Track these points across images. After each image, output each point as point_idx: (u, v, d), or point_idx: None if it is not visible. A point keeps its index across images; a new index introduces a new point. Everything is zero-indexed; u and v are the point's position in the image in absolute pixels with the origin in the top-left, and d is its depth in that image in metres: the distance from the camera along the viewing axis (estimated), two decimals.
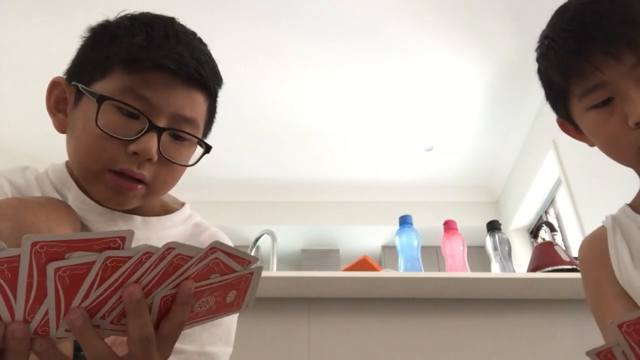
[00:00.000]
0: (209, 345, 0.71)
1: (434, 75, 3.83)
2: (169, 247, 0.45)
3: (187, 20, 0.75)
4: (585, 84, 0.68)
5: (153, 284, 0.47)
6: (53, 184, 0.73)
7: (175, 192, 0.84)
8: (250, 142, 4.59)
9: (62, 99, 0.72)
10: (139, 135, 0.65)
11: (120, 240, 0.43)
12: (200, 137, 0.72)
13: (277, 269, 2.19)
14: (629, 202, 0.78)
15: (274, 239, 2.21)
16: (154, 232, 0.75)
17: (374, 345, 1.50)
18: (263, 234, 2.23)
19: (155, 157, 0.66)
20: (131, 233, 0.43)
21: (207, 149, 0.74)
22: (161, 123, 0.67)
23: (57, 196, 0.71)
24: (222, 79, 0.75)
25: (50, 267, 0.41)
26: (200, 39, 0.74)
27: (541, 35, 0.77)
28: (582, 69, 0.67)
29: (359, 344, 1.50)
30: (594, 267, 0.75)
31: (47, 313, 0.44)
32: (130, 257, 0.43)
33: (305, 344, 1.48)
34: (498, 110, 4.18)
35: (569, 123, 0.77)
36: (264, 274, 1.56)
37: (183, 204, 0.83)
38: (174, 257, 0.46)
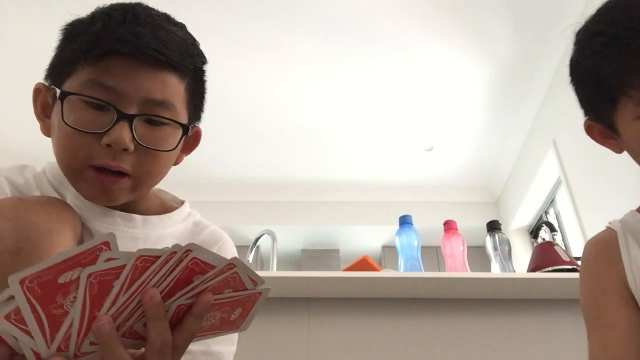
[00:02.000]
0: (214, 345, 0.71)
1: (435, 75, 3.83)
2: (188, 249, 0.45)
3: (181, 18, 0.73)
4: None
5: (168, 290, 0.47)
6: (51, 182, 0.73)
7: (175, 192, 0.84)
8: (250, 142, 4.59)
9: (46, 104, 0.71)
10: (109, 127, 0.63)
11: (105, 246, 0.42)
12: (179, 118, 0.69)
13: (277, 269, 2.19)
14: (635, 208, 0.77)
15: (274, 239, 2.21)
16: (153, 231, 0.74)
17: (374, 345, 1.50)
18: (263, 234, 2.23)
19: (131, 146, 0.64)
20: (112, 236, 0.42)
21: (185, 130, 0.70)
22: (131, 110, 0.64)
23: (56, 195, 0.71)
24: (198, 56, 0.72)
25: (84, 273, 0.41)
26: (168, 18, 0.71)
27: (587, 31, 0.72)
28: None
29: (359, 344, 1.50)
30: (600, 269, 0.74)
31: (70, 327, 0.43)
32: (159, 256, 0.44)
33: (305, 344, 1.48)
34: (498, 110, 4.18)
35: (600, 126, 0.73)
36: (265, 273, 1.56)
37: (182, 202, 0.82)
38: (190, 260, 0.46)
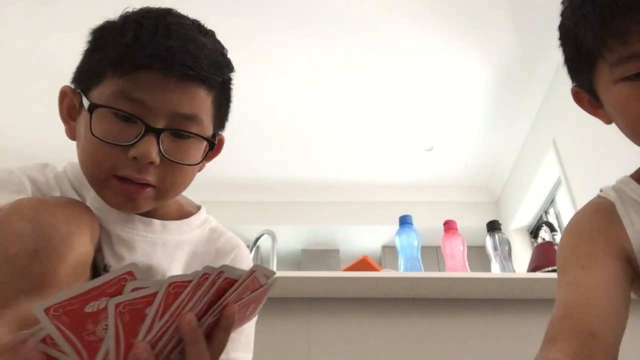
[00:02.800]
0: (233, 352, 0.72)
1: (435, 75, 3.83)
2: (221, 271, 0.45)
3: None
4: (624, 50, 0.58)
5: (203, 312, 0.47)
6: (72, 183, 0.72)
7: None
8: (249, 142, 4.58)
9: (73, 107, 0.71)
10: (137, 140, 0.64)
11: (129, 276, 0.42)
12: (206, 131, 0.69)
13: (277, 269, 2.19)
14: (630, 175, 0.71)
15: (274, 239, 2.21)
16: (171, 236, 0.74)
17: (374, 345, 1.50)
18: (263, 234, 2.23)
19: (157, 159, 0.64)
20: (135, 265, 0.43)
21: (211, 145, 0.70)
22: (159, 124, 0.65)
23: (76, 196, 0.71)
24: (226, 67, 0.72)
25: (111, 303, 0.41)
26: (199, 27, 0.71)
27: None
28: (626, 32, 0.57)
29: (359, 344, 1.50)
30: (593, 229, 0.67)
31: (107, 355, 0.44)
32: (190, 281, 0.44)
33: (305, 344, 1.48)
34: (498, 110, 4.18)
35: (586, 93, 0.68)
36: None
37: (199, 208, 0.82)
38: (223, 281, 0.46)
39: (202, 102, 0.68)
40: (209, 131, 0.71)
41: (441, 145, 4.65)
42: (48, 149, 2.89)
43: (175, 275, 0.43)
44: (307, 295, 1.52)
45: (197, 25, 0.71)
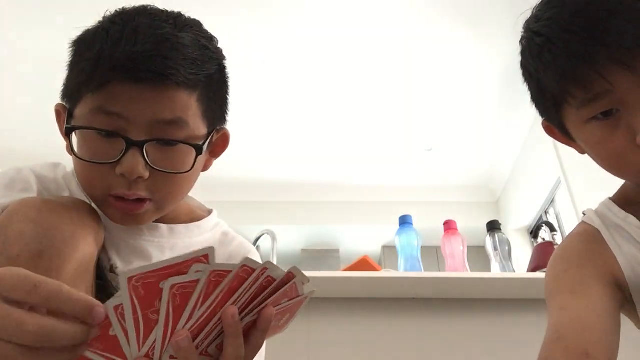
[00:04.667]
0: None
1: (435, 76, 3.83)
2: (264, 267, 0.45)
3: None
4: (586, 94, 0.59)
5: (242, 309, 0.47)
6: (79, 184, 0.72)
7: None
8: (250, 142, 4.59)
9: None
10: (121, 156, 0.61)
11: (204, 258, 0.42)
12: (195, 133, 0.66)
13: None
14: (611, 197, 0.72)
15: (274, 239, 2.21)
16: (180, 240, 0.73)
17: (374, 345, 1.50)
18: (263, 234, 2.23)
19: (145, 173, 0.62)
20: (212, 249, 0.43)
21: (199, 150, 0.66)
22: (140, 136, 0.62)
23: (84, 197, 0.70)
24: (211, 60, 0.67)
25: (167, 284, 0.41)
26: (176, 22, 0.65)
27: (529, 28, 0.68)
28: (587, 78, 0.58)
29: (359, 344, 1.50)
30: (581, 256, 0.67)
31: (156, 340, 0.44)
32: (230, 271, 0.44)
33: (305, 344, 1.48)
34: (498, 110, 4.18)
35: (557, 127, 0.69)
36: None
37: (210, 211, 0.81)
38: (265, 279, 0.46)
39: (184, 103, 0.63)
40: (200, 131, 0.67)
41: (441, 146, 4.65)
42: (48, 148, 2.89)
43: (218, 264, 0.43)
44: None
45: (173, 20, 0.66)
